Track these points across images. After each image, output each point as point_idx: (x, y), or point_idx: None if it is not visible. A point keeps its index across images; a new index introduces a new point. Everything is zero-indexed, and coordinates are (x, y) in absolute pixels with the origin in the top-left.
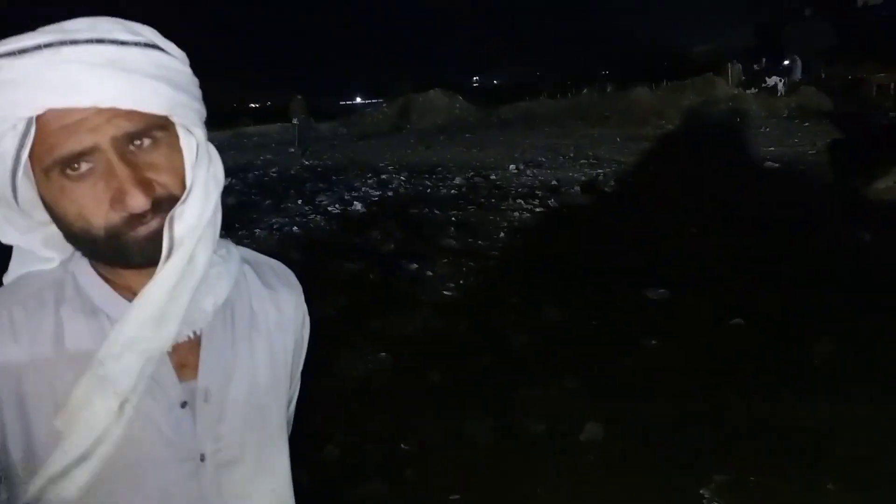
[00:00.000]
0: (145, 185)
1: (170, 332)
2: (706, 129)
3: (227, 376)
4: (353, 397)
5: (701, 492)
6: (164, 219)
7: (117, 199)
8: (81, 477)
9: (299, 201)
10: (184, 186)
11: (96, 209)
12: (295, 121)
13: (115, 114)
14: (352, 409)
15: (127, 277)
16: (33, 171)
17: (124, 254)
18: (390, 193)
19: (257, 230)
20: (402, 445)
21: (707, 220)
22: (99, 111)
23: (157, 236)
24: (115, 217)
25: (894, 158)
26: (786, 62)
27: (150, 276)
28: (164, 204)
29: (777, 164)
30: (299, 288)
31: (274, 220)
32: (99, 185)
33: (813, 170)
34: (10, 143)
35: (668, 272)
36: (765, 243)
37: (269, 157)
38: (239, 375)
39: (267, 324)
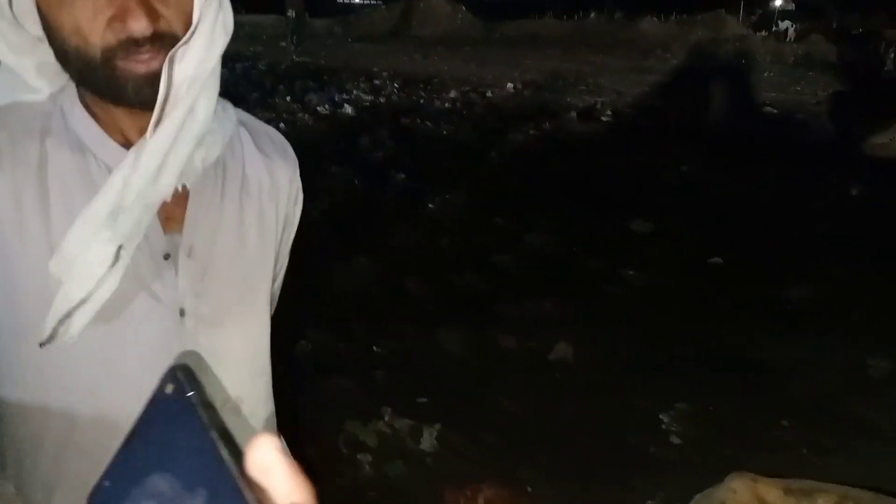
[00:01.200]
0: (149, 10)
1: (168, 184)
2: (710, 68)
3: (212, 234)
4: (329, 299)
5: (660, 416)
6: (163, 59)
7: (118, 17)
8: (81, 319)
9: (287, 98)
10: (188, 28)
11: (93, 24)
12: (290, 13)
13: None
14: (328, 310)
15: (119, 118)
16: None
17: (118, 87)
18: (382, 100)
19: None
20: (375, 348)
21: (699, 159)
22: None
23: (155, 77)
24: (112, 38)
25: (894, 115)
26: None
27: (144, 120)
28: (167, 40)
29: (776, 111)
30: (296, 161)
31: (260, 115)
32: (106, 2)
33: (812, 119)
34: None
35: (654, 206)
36: (753, 187)
37: (259, 49)
38: (224, 234)
39: (259, 189)
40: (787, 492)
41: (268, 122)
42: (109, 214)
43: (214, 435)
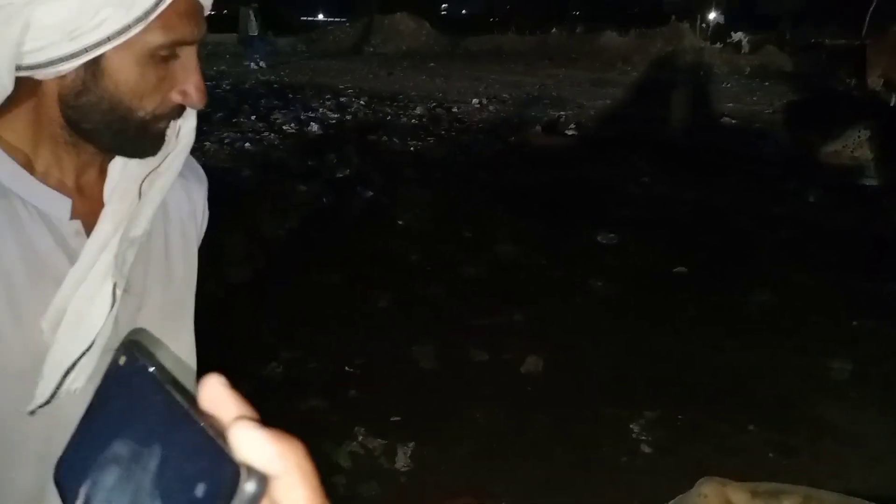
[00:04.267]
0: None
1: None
2: (670, 80)
3: (144, 266)
4: (299, 317)
5: (631, 426)
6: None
7: (187, 91)
8: (87, 367)
9: (253, 117)
10: None
11: (155, 94)
12: (251, 32)
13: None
14: (298, 329)
15: (62, 160)
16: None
17: (143, 143)
18: (349, 117)
19: (207, 143)
20: (347, 367)
21: (661, 169)
22: (203, 6)
23: (164, 133)
24: (168, 106)
25: (845, 124)
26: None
27: (97, 162)
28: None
29: (734, 121)
30: (206, 180)
31: (225, 135)
32: (175, 74)
33: (768, 128)
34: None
35: (618, 217)
36: (715, 195)
37: (222, 68)
38: (155, 266)
39: (180, 212)
40: (755, 494)
41: (233, 141)
42: (113, 260)
43: (168, 386)
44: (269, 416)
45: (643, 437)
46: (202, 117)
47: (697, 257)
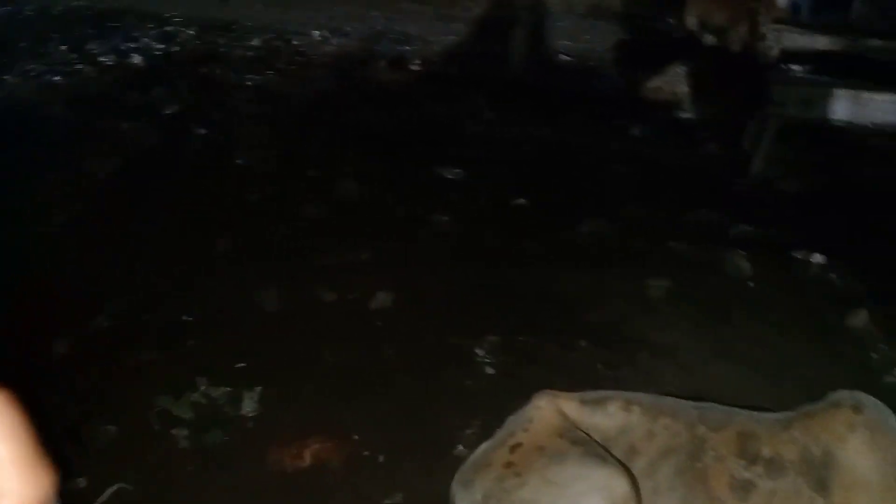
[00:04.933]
0: None
1: None
2: (510, 17)
3: None
4: (127, 265)
5: (476, 350)
6: None
7: None
8: None
9: (63, 47)
10: None
11: None
12: None
13: None
14: (126, 278)
15: None
16: None
17: None
18: (177, 48)
19: (7, 77)
20: (184, 317)
21: (504, 107)
22: None
23: None
24: None
25: (666, 61)
26: None
27: None
28: None
29: (570, 58)
30: None
31: (31, 67)
32: None
33: (600, 66)
34: None
35: (462, 154)
36: (555, 133)
37: None
38: None
39: None
40: (583, 402)
41: (40, 74)
42: None
43: None
44: (95, 373)
45: (486, 361)
46: (1, 47)
47: (537, 192)
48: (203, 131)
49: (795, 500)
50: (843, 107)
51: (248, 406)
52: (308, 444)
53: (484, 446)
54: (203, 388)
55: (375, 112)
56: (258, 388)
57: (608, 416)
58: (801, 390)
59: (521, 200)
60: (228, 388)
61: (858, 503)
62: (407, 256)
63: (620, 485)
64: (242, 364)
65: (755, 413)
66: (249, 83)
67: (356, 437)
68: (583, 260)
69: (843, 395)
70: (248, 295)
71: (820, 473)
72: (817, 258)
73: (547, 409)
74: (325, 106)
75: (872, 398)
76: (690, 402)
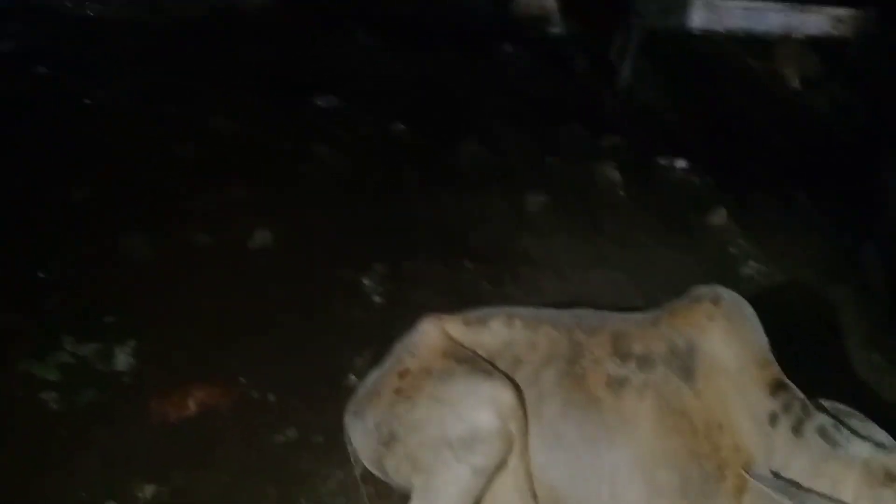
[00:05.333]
0: None
1: None
2: None
3: None
4: None
5: (363, 280)
6: None
7: None
8: None
9: None
10: None
11: None
12: None
13: None
14: None
15: None
16: None
17: None
18: None
19: None
20: (40, 274)
21: (379, 35)
22: None
23: None
24: None
25: None
26: None
27: None
28: None
29: None
30: None
31: None
32: None
33: None
34: None
35: (341, 84)
36: (428, 56)
37: None
38: None
39: None
40: (467, 322)
41: None
42: None
43: None
44: None
45: (373, 290)
46: None
47: (415, 119)
48: (44, 70)
49: (665, 388)
50: (699, 15)
51: (122, 361)
52: (191, 392)
53: (373, 375)
54: (69, 347)
55: (246, 44)
56: (131, 342)
57: (491, 332)
58: (668, 287)
59: (400, 126)
60: (97, 345)
61: (719, 385)
62: (285, 192)
63: (506, 396)
64: (111, 318)
65: (626, 314)
66: (91, 13)
67: (243, 379)
68: (463, 183)
69: (703, 289)
70: (112, 245)
71: (685, 363)
72: (680, 163)
73: (432, 333)
74: (185, 35)
75: (730, 291)
76: (568, 311)
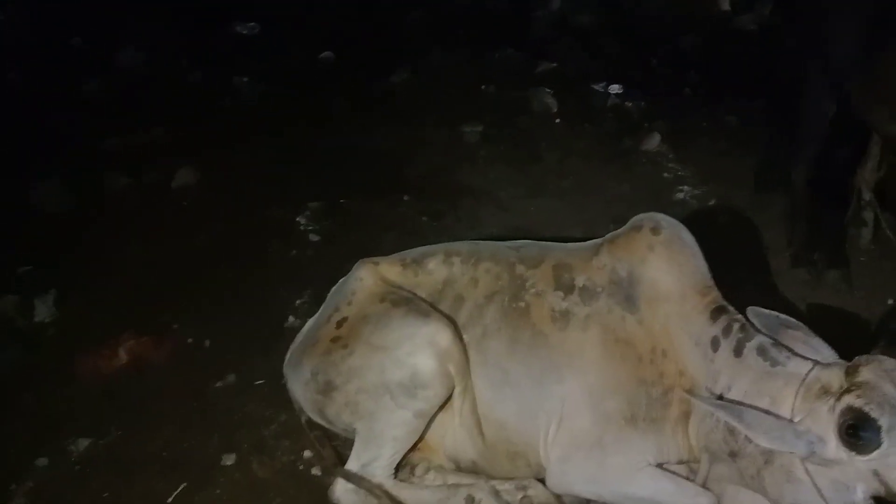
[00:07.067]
0: None
1: None
2: None
3: None
4: None
5: (298, 219)
6: None
7: None
8: None
9: None
10: None
11: None
12: None
13: None
14: None
15: None
16: None
17: None
18: None
19: None
20: None
21: None
22: None
23: None
24: None
25: None
26: None
27: None
28: None
29: None
30: None
31: None
32: None
33: None
34: None
35: (259, 7)
36: None
37: None
38: None
39: None
40: (404, 265)
41: None
42: None
43: None
44: None
45: (310, 228)
46: None
47: (341, 45)
48: None
49: (608, 318)
50: None
51: (43, 312)
52: (122, 342)
53: (309, 324)
54: None
55: None
56: (52, 292)
57: (430, 272)
58: (605, 215)
59: (327, 54)
60: (15, 296)
61: (661, 312)
62: (207, 128)
63: (444, 337)
64: (27, 268)
65: (567, 245)
66: None
67: (176, 326)
68: (397, 113)
69: (642, 218)
70: (21, 192)
71: (627, 292)
72: (614, 88)
73: (368, 278)
74: None
75: (669, 218)
76: (508, 243)
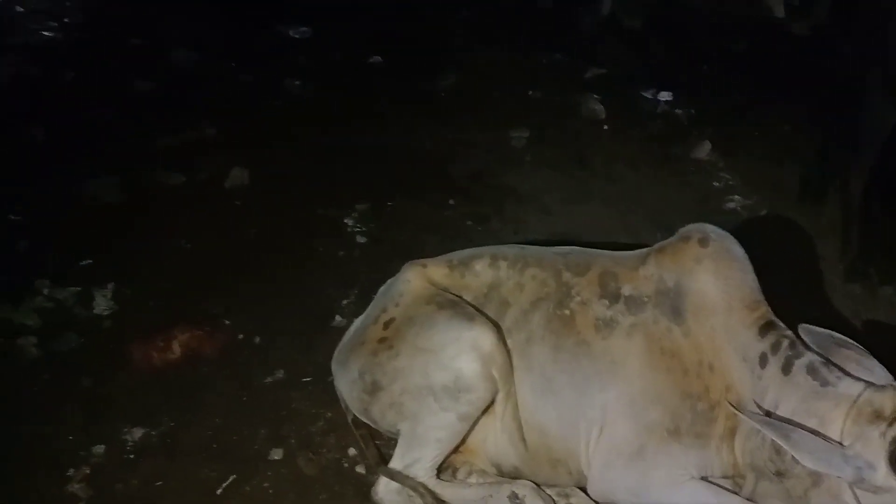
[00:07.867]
0: None
1: None
2: None
3: None
4: None
5: (345, 221)
6: None
7: None
8: None
9: None
10: None
11: None
12: None
13: None
14: None
15: None
16: None
17: None
18: None
19: None
20: (12, 217)
21: None
22: None
23: None
24: None
25: None
26: None
27: None
28: None
29: None
30: None
31: None
32: None
33: None
34: None
35: (308, 10)
36: None
37: None
38: None
39: None
40: (451, 267)
41: None
42: None
43: None
44: None
45: (357, 229)
46: None
47: (389, 48)
48: None
49: (654, 329)
50: None
51: (102, 305)
52: (175, 335)
53: (357, 323)
54: (46, 291)
55: None
56: (110, 285)
57: (476, 275)
58: (653, 222)
59: (376, 58)
60: (76, 289)
61: (708, 325)
62: (258, 128)
63: (488, 341)
64: (88, 261)
65: (614, 253)
66: None
67: (227, 322)
68: (443, 115)
69: (691, 228)
70: (81, 187)
71: (674, 303)
72: (664, 95)
73: (416, 280)
74: None
75: (718, 229)
76: (554, 249)
